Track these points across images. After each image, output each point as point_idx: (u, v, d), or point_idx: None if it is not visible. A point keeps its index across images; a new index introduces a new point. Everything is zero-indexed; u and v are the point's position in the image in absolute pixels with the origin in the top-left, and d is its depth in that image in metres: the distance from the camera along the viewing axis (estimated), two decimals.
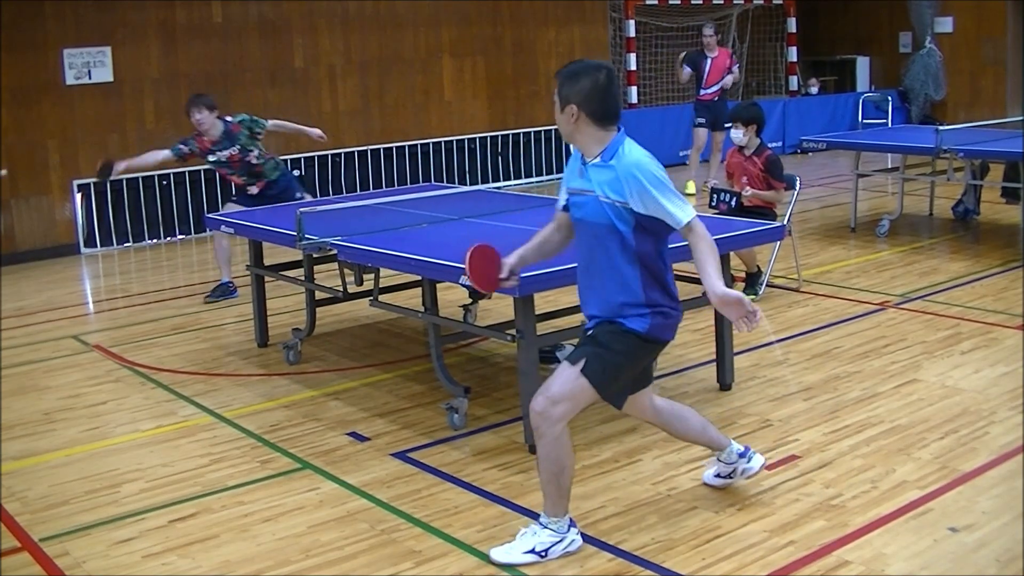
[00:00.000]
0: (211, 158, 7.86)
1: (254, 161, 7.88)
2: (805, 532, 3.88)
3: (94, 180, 10.50)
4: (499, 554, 3.78)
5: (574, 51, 14.07)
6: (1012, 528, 3.82)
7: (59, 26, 10.28)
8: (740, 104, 7.67)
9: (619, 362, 3.71)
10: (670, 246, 3.76)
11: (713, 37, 11.70)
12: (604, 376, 3.68)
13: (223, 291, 8.13)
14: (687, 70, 11.69)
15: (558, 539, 3.77)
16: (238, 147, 7.79)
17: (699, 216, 3.65)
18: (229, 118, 7.86)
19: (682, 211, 3.56)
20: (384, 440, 5.03)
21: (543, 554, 3.74)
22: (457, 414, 5.08)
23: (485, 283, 3.91)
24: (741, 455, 4.16)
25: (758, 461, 4.19)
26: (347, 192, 11.78)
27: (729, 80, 11.67)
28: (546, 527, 3.78)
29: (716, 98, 11.61)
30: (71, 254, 10.53)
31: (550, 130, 13.82)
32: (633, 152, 3.62)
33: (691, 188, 11.76)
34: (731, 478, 4.20)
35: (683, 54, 11.99)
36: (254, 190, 8.00)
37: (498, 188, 8.54)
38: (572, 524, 3.83)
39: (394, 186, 12.08)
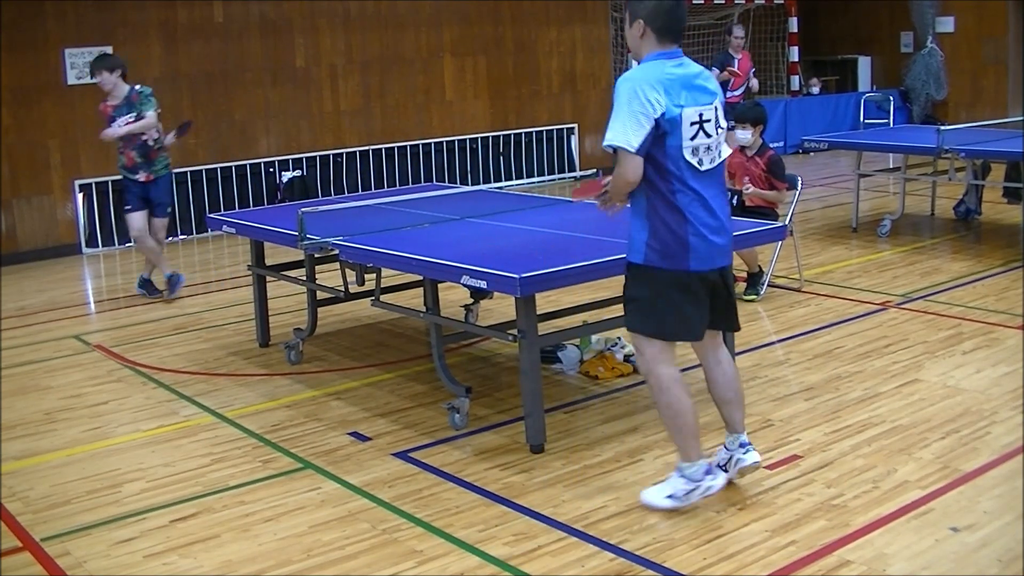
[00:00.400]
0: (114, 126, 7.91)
1: (150, 143, 7.99)
2: (806, 532, 3.87)
3: (95, 180, 10.55)
4: (647, 495, 4.05)
5: (575, 51, 14.08)
6: (1013, 528, 3.82)
7: (60, 26, 10.28)
8: (745, 104, 7.64)
9: (644, 305, 3.87)
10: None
11: (742, 39, 11.54)
12: (642, 322, 3.88)
13: (174, 282, 8.30)
14: (716, 70, 11.47)
15: (693, 487, 3.94)
16: (135, 115, 7.89)
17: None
18: (137, 87, 8.04)
19: (614, 134, 3.69)
20: (385, 440, 5.03)
21: (682, 498, 3.98)
22: (459, 414, 5.08)
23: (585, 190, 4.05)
24: (742, 445, 4.19)
25: (753, 456, 4.18)
26: (348, 192, 11.78)
27: (755, 84, 11.57)
28: (682, 475, 3.96)
29: (742, 100, 11.42)
30: (72, 254, 10.54)
31: (551, 130, 13.84)
32: (638, 68, 3.82)
33: None
34: (726, 469, 4.17)
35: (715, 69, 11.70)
36: (141, 177, 8.05)
37: (500, 188, 8.54)
38: (709, 470, 3.96)
39: (395, 186, 12.09)
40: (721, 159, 3.86)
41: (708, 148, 3.79)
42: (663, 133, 3.70)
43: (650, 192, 3.79)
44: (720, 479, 4.04)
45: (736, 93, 11.48)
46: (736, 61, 11.50)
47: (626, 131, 3.66)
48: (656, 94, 3.68)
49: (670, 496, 4.00)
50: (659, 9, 3.80)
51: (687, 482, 3.97)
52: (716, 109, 3.85)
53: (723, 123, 3.87)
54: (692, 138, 3.75)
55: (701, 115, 3.76)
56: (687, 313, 3.87)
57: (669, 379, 3.90)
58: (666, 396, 3.91)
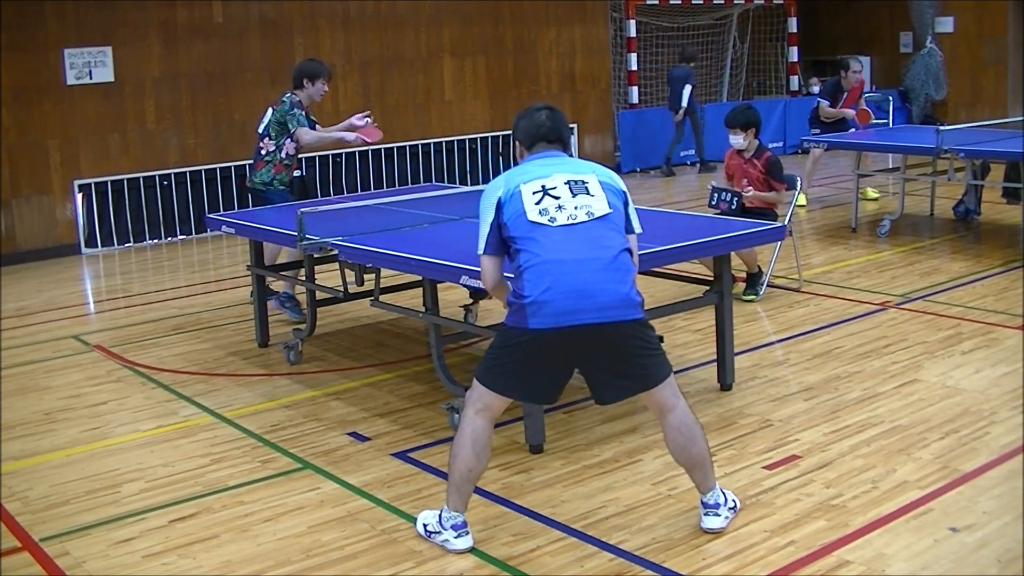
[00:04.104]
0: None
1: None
2: (805, 532, 3.87)
3: (95, 180, 10.55)
4: (423, 514, 4.05)
5: (575, 51, 14.07)
6: (1013, 528, 3.82)
7: (60, 26, 10.28)
8: (736, 108, 7.60)
9: (492, 352, 3.85)
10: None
11: (859, 72, 11.01)
12: (481, 366, 3.86)
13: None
14: (826, 103, 10.95)
15: (437, 531, 3.89)
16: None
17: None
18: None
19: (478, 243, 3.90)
20: (385, 440, 5.03)
21: (427, 536, 3.94)
22: (458, 414, 5.03)
23: None
24: (704, 505, 3.95)
25: (712, 522, 3.91)
26: (348, 192, 11.78)
27: (851, 113, 11.06)
28: (439, 512, 3.91)
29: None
30: (72, 254, 10.54)
31: None
32: None
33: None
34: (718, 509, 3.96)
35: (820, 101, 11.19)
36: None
37: None
38: (458, 527, 3.86)
39: (395, 186, 12.08)
40: (590, 218, 3.71)
41: (560, 207, 3.71)
42: (503, 208, 3.78)
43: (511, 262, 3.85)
44: (462, 543, 3.83)
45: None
46: (846, 94, 10.95)
47: (479, 238, 3.88)
48: (497, 186, 3.87)
49: (425, 524, 3.96)
50: (521, 126, 4.05)
51: (438, 523, 3.89)
52: (574, 182, 3.77)
53: (594, 191, 3.76)
54: (537, 203, 3.73)
55: (544, 186, 3.76)
56: (513, 369, 3.76)
57: (467, 423, 3.81)
58: (456, 436, 3.85)
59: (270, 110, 7.41)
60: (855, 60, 11.21)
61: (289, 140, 7.33)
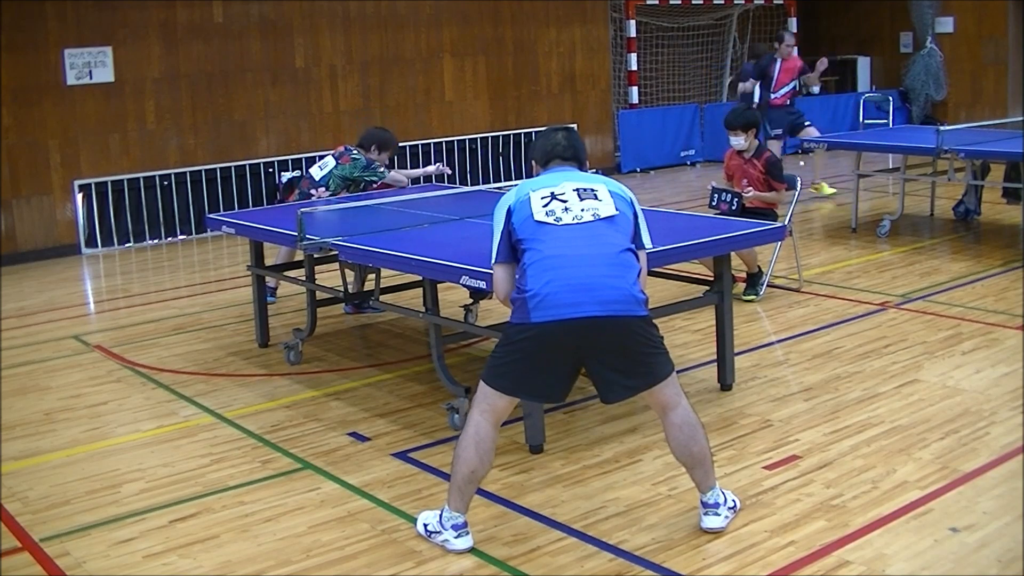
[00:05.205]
0: None
1: None
2: (806, 532, 3.88)
3: (95, 180, 10.55)
4: (423, 514, 4.05)
5: (575, 51, 14.08)
6: (1013, 528, 3.82)
7: (60, 26, 10.28)
8: (735, 109, 7.60)
9: (497, 351, 3.85)
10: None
11: (792, 47, 11.24)
12: (486, 367, 3.86)
13: None
14: (750, 82, 11.16)
15: (437, 530, 3.90)
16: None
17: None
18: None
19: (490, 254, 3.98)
20: (385, 440, 5.04)
21: (428, 535, 3.94)
22: (458, 414, 5.08)
23: None
24: (704, 505, 3.95)
25: (711, 522, 3.90)
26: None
27: (814, 88, 11.23)
28: (440, 512, 3.91)
29: (788, 101, 11.25)
30: (72, 254, 10.54)
31: None
32: None
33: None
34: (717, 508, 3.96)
35: (741, 78, 11.51)
36: None
37: (499, 188, 8.56)
38: (458, 527, 3.86)
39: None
40: (595, 218, 3.79)
41: (567, 209, 3.81)
42: (513, 214, 3.87)
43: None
44: (462, 543, 3.83)
45: (780, 94, 11.20)
46: (780, 62, 11.11)
47: (492, 248, 3.97)
48: (508, 196, 3.96)
49: (425, 524, 3.97)
50: (537, 146, 4.19)
51: (438, 523, 3.90)
52: (583, 189, 3.87)
53: (602, 197, 3.85)
54: (544, 206, 3.83)
55: (552, 192, 3.86)
56: (518, 366, 3.75)
57: (472, 425, 3.82)
58: (460, 438, 3.86)
59: (332, 160, 7.33)
60: (788, 33, 11.40)
61: (345, 192, 7.35)
